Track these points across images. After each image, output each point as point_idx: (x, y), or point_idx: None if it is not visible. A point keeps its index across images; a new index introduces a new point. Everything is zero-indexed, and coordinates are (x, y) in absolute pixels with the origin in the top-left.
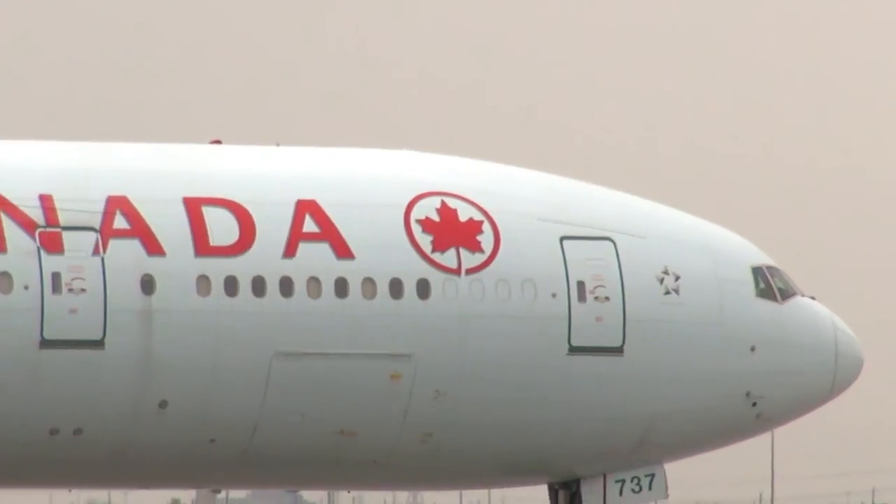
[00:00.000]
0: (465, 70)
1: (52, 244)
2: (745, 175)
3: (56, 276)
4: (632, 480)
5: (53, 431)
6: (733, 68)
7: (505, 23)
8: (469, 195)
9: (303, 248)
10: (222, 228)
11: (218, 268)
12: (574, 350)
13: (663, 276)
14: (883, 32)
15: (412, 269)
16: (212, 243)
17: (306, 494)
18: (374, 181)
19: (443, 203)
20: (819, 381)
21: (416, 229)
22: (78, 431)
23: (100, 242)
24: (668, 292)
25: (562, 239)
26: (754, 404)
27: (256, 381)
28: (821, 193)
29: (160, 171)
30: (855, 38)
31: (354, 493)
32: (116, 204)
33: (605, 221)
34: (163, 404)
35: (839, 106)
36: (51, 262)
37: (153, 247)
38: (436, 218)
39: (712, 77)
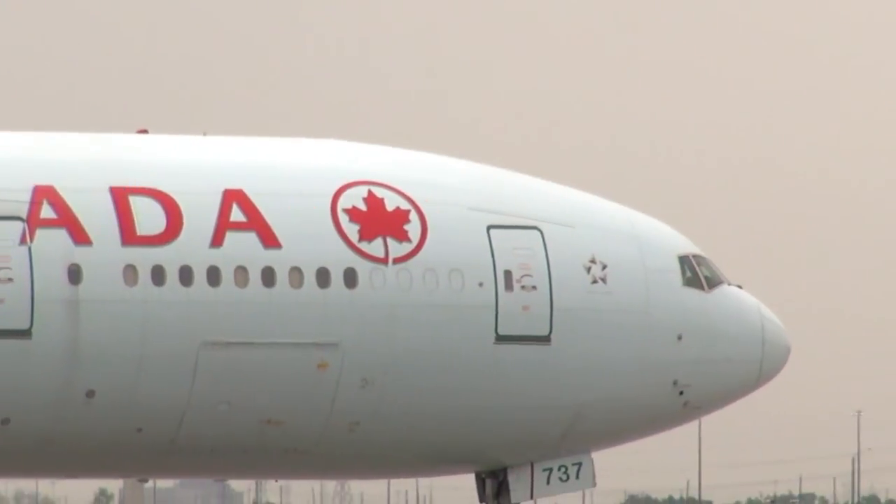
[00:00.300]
0: (394, 60)
1: None
2: (672, 165)
3: None
4: (559, 469)
5: None
6: (656, 57)
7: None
8: (396, 184)
9: (230, 237)
10: (149, 218)
11: (145, 257)
12: (501, 339)
13: (590, 265)
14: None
15: (339, 258)
16: (139, 233)
17: (234, 483)
18: (300, 170)
19: (370, 192)
20: (746, 369)
21: (343, 218)
22: (5, 421)
23: (27, 232)
24: (595, 281)
25: (489, 228)
26: (681, 393)
27: (183, 371)
28: (747, 183)
29: (87, 160)
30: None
31: (282, 481)
32: (43, 193)
33: (532, 211)
34: (90, 394)
35: (771, 95)
36: None
37: (80, 236)
38: (363, 207)
39: (637, 68)
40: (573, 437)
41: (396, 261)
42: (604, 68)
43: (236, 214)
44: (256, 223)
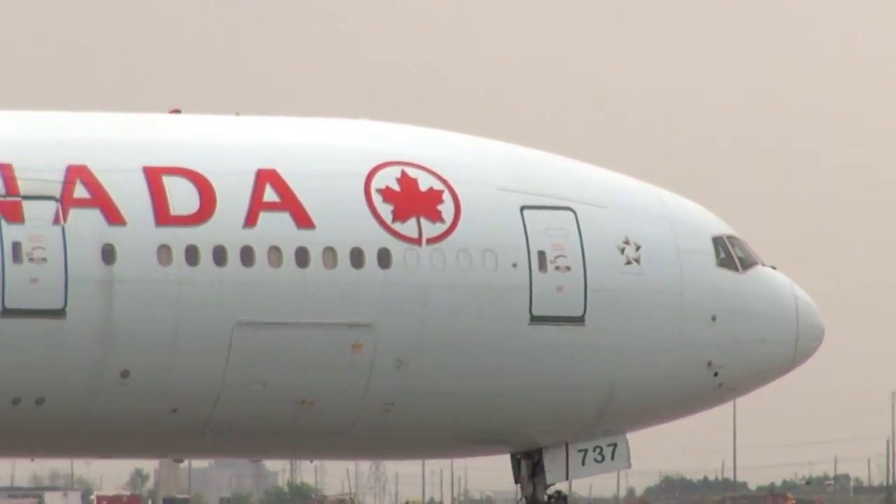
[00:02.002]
0: (426, 45)
1: (12, 213)
2: (707, 146)
3: (16, 246)
4: (594, 450)
5: (15, 401)
6: (696, 37)
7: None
8: (429, 165)
9: (263, 217)
10: (183, 198)
11: (179, 237)
12: (535, 320)
13: (624, 245)
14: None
15: (373, 238)
16: (172, 213)
17: (268, 463)
18: (334, 150)
19: (403, 173)
20: (780, 350)
21: (377, 199)
22: (40, 401)
23: (60, 212)
24: (628, 262)
25: (522, 208)
26: (716, 374)
27: (218, 351)
28: (783, 166)
29: (120, 140)
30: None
31: (316, 462)
32: (77, 173)
33: (565, 191)
34: (124, 374)
35: (810, 77)
36: (11, 232)
37: (114, 216)
38: (396, 187)
39: (672, 48)
40: (608, 418)
41: (430, 241)
42: (638, 49)
43: (270, 195)
44: (290, 203)
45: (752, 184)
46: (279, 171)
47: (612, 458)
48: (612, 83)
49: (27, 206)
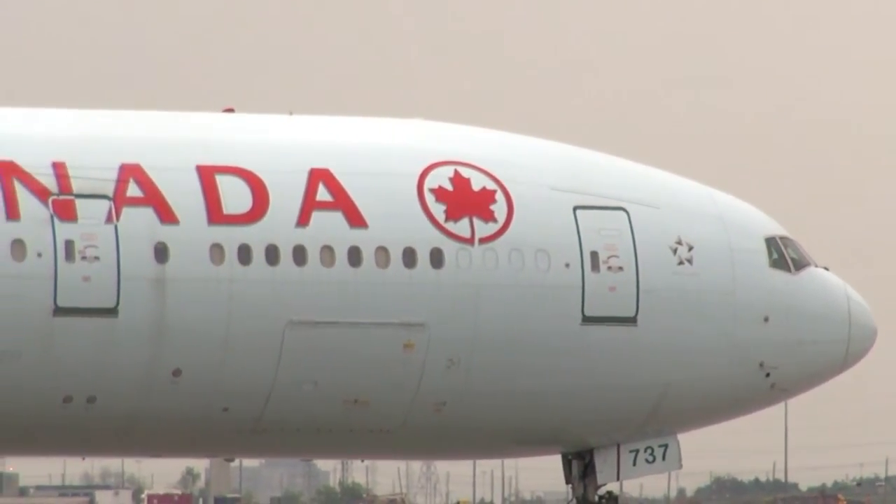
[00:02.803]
0: (478, 43)
1: (65, 212)
2: (761, 147)
3: (69, 244)
4: (645, 450)
5: (67, 399)
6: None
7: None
8: (482, 164)
9: (316, 216)
10: (235, 197)
11: (231, 236)
12: (587, 320)
13: (677, 246)
14: None
15: (426, 238)
16: (225, 212)
17: (319, 463)
18: (387, 150)
19: (456, 172)
20: (832, 351)
21: (430, 198)
22: (91, 399)
23: (113, 210)
24: (681, 262)
25: (575, 209)
26: (768, 374)
27: (270, 350)
28: (837, 168)
29: (173, 139)
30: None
31: (367, 461)
32: (130, 172)
33: (618, 191)
34: (176, 373)
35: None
36: (64, 230)
37: (166, 215)
38: (449, 187)
39: (728, 49)
40: (659, 419)
41: (482, 241)
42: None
43: (322, 194)
44: (343, 203)
45: (803, 182)
46: (332, 170)
47: (664, 458)
48: (669, 83)
49: (80, 204)
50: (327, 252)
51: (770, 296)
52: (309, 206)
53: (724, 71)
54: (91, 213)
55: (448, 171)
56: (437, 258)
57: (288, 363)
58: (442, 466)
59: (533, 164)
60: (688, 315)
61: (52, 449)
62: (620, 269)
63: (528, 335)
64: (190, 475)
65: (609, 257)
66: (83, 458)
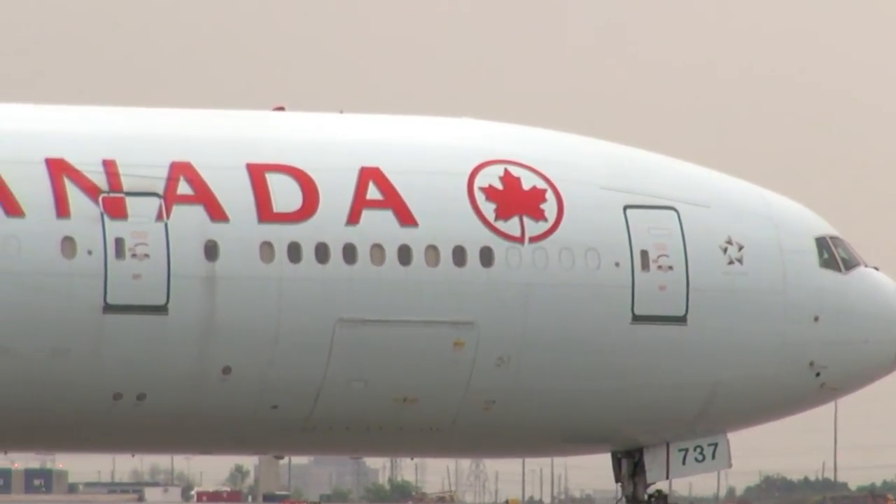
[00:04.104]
0: (524, 43)
1: (115, 209)
2: (811, 146)
3: (119, 242)
4: (695, 449)
5: (117, 396)
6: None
7: None
8: (533, 163)
9: (366, 215)
10: (286, 195)
11: (281, 234)
12: (637, 319)
13: (727, 245)
14: None
15: (476, 236)
16: (275, 210)
17: (369, 461)
18: (437, 149)
19: (506, 171)
20: (883, 350)
21: (480, 197)
22: (141, 396)
23: (163, 208)
24: (731, 262)
25: (625, 208)
26: (818, 374)
27: (319, 348)
28: (885, 168)
29: (224, 137)
30: None
31: (417, 459)
32: (180, 170)
33: (668, 190)
34: (226, 370)
35: None
36: (114, 228)
37: (217, 213)
38: (499, 186)
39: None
40: (709, 418)
41: (532, 240)
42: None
43: (373, 192)
44: (393, 201)
45: (857, 185)
46: (382, 168)
47: (713, 457)
48: (724, 85)
49: (130, 202)
50: (377, 250)
51: (820, 295)
52: (359, 204)
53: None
54: (141, 210)
55: (498, 170)
56: (486, 257)
57: (337, 361)
58: (491, 464)
59: (583, 163)
60: (737, 314)
61: (101, 446)
62: (670, 268)
63: (577, 334)
64: (239, 472)
65: (659, 256)
66: (132, 456)
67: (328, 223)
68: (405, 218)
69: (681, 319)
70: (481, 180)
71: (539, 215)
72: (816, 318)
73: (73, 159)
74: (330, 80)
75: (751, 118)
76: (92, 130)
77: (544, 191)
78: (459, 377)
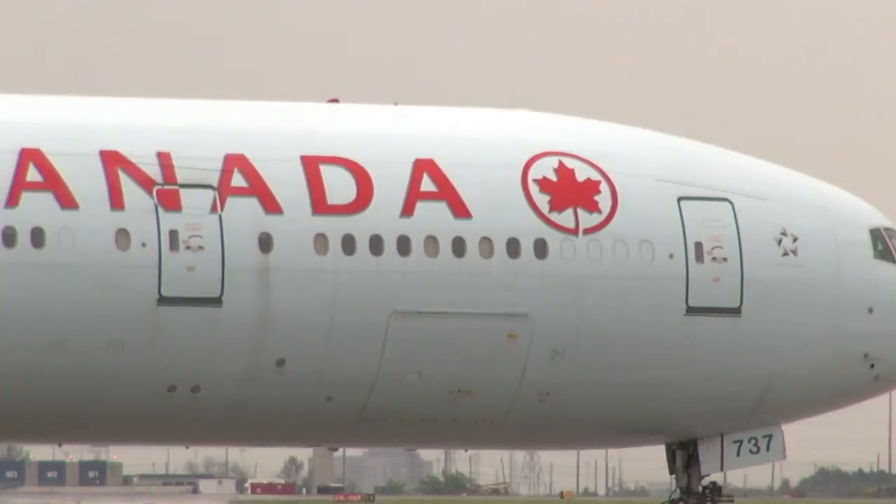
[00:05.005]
0: (581, 35)
1: (169, 202)
2: (869, 139)
3: (173, 234)
4: (749, 441)
5: (171, 388)
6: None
7: None
8: (586, 155)
9: (420, 206)
10: (340, 187)
11: (335, 226)
12: (691, 311)
13: (781, 237)
14: None
15: (530, 228)
16: (329, 202)
17: (423, 452)
18: (491, 141)
19: (560, 163)
20: None
21: (534, 189)
22: (196, 389)
23: (217, 200)
24: (785, 253)
25: (679, 200)
26: (872, 366)
27: (373, 340)
28: None
29: (278, 129)
30: None
31: (471, 451)
32: (234, 162)
33: (722, 182)
34: (280, 362)
35: None
36: (168, 220)
37: (271, 205)
38: (553, 178)
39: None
40: (763, 410)
41: (587, 231)
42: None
43: (427, 184)
44: (447, 193)
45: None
46: (436, 160)
47: (768, 449)
48: (772, 76)
49: (185, 194)
50: (431, 242)
51: (875, 287)
52: (413, 196)
53: None
54: (195, 202)
55: (552, 162)
56: (541, 249)
57: (392, 353)
58: (545, 456)
59: (637, 154)
60: (792, 306)
61: (156, 438)
62: (725, 259)
63: (631, 326)
64: (293, 464)
65: (713, 248)
66: (187, 448)
67: (382, 215)
68: (459, 210)
69: (735, 311)
70: (535, 172)
71: (593, 207)
72: (871, 310)
73: (127, 152)
74: (384, 72)
75: (808, 109)
76: (146, 123)
77: (598, 182)
78: (514, 369)
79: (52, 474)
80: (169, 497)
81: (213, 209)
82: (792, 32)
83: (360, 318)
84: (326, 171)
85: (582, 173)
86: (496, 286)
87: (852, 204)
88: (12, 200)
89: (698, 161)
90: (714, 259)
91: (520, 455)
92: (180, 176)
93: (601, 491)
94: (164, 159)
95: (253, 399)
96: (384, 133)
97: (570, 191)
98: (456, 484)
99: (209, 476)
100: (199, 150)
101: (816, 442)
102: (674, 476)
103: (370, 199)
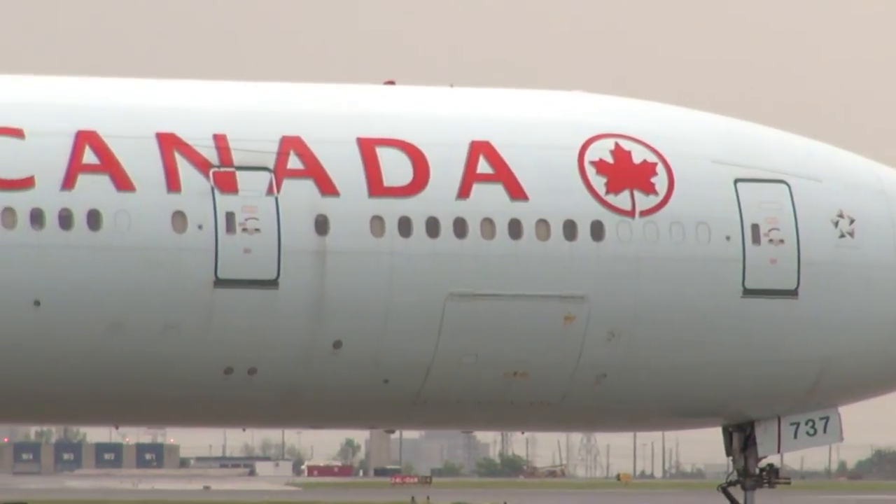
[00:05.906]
0: (634, 16)
1: (225, 184)
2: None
3: (230, 216)
4: (806, 423)
5: (228, 371)
6: None
7: None
8: (643, 137)
9: (477, 189)
10: (396, 169)
11: (392, 208)
12: (748, 293)
13: (838, 219)
14: None
15: (586, 210)
16: (385, 184)
17: (479, 435)
18: (547, 123)
19: (617, 145)
20: None
21: (590, 171)
22: (252, 371)
23: (274, 182)
24: (842, 235)
25: (736, 181)
26: None
27: (430, 323)
28: None
29: (334, 111)
30: None
31: (527, 433)
32: (290, 144)
33: (779, 164)
34: (336, 345)
35: None
36: (225, 202)
37: (327, 187)
38: (610, 160)
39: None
40: (821, 392)
41: (643, 213)
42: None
43: (483, 166)
44: (503, 175)
45: None
46: (493, 142)
47: (825, 431)
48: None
49: (241, 176)
50: (488, 224)
51: None
52: (469, 178)
53: None
54: (252, 185)
55: (609, 144)
56: (597, 231)
57: (448, 335)
58: (602, 439)
59: (694, 136)
60: (849, 288)
61: (212, 421)
62: (781, 241)
63: (688, 308)
64: (350, 447)
65: (770, 230)
66: (244, 430)
67: (439, 197)
68: (516, 192)
69: (792, 293)
70: (592, 154)
71: (650, 189)
72: None
73: (183, 134)
74: (441, 53)
75: (866, 95)
76: (202, 105)
77: (655, 164)
78: (570, 351)
79: (110, 456)
80: (226, 479)
81: (270, 191)
82: None
83: (416, 301)
84: (383, 153)
85: (638, 155)
86: (553, 268)
87: None
88: (69, 183)
89: (754, 143)
90: (771, 241)
91: (576, 437)
92: (237, 158)
93: (658, 473)
94: (221, 141)
95: (309, 381)
96: (440, 115)
97: (626, 173)
98: (512, 466)
99: (266, 458)
100: (255, 133)
101: (873, 424)
102: (731, 458)
103: (426, 181)
